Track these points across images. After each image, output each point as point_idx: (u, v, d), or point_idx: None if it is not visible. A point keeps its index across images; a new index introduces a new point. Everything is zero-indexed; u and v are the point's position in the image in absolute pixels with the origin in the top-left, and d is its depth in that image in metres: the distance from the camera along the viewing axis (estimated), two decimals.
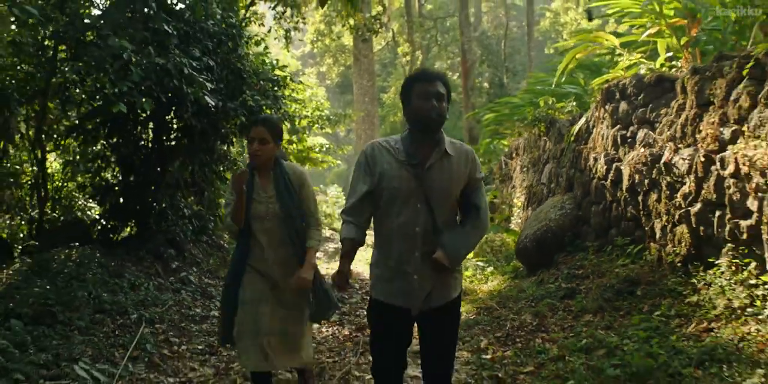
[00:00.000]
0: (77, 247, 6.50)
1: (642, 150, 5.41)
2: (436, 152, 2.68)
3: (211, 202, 8.17)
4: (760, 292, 3.94)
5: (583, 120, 6.89)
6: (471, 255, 7.81)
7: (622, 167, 5.75)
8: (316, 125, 17.10)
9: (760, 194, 3.95)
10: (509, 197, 10.12)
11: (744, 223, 4.12)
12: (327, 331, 5.82)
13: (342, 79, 38.93)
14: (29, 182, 7.67)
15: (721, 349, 3.66)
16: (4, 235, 7.48)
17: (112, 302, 5.33)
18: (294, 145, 15.25)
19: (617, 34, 7.85)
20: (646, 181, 5.30)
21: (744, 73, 4.28)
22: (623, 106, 5.94)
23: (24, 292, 4.90)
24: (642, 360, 3.72)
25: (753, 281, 4.01)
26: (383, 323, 2.81)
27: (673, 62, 6.27)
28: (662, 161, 5.05)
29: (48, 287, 5.09)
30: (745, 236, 4.12)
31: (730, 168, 4.23)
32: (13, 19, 6.44)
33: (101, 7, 6.60)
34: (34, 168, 7.43)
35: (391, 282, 2.74)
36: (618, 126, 6.00)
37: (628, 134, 5.79)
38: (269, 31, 14.95)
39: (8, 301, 4.72)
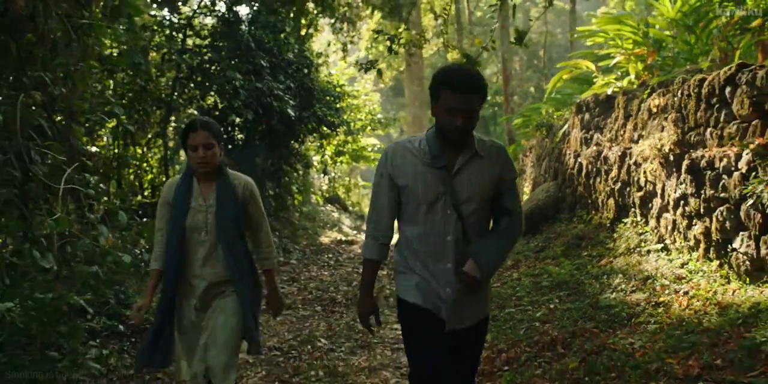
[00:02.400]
0: None
1: (594, 148, 7.66)
2: (464, 154, 2.45)
3: (286, 186, 10.75)
4: (644, 237, 6.18)
5: (566, 126, 9.13)
6: None
7: (581, 160, 8.01)
8: (369, 128, 19.63)
9: (645, 175, 6.20)
10: (521, 186, 12.39)
11: (638, 194, 6.37)
12: None
13: (395, 82, 41.38)
14: (155, 170, 10.34)
15: (612, 270, 5.93)
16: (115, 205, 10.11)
17: None
18: (349, 145, 17.87)
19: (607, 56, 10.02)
20: (594, 169, 7.56)
21: (645, 96, 6.52)
22: (587, 116, 8.19)
23: None
24: (563, 277, 6.05)
25: (641, 230, 6.26)
26: (414, 325, 2.56)
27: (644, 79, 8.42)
28: (602, 155, 7.31)
29: None
30: (639, 203, 6.37)
31: (633, 159, 6.48)
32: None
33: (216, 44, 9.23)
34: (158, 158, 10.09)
35: (415, 280, 2.52)
36: (583, 130, 8.25)
37: (588, 137, 8.04)
38: (329, 44, 17.47)
39: None
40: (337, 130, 11.15)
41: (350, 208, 19.25)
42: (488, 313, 2.68)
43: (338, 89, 10.73)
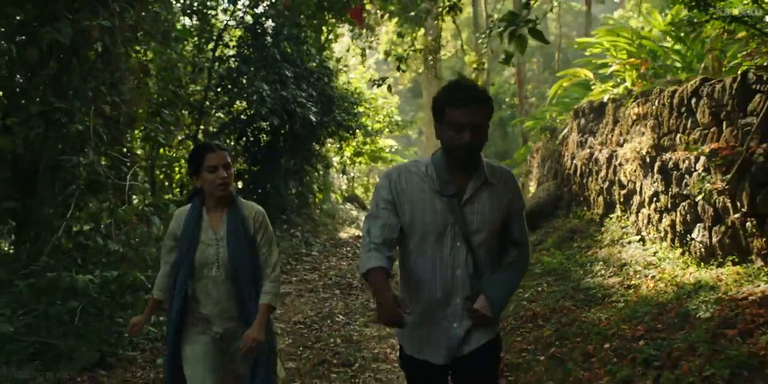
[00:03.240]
0: None
1: (587, 150, 8.42)
2: (474, 180, 2.30)
3: (308, 185, 11.63)
4: (625, 230, 6.94)
5: (566, 130, 9.88)
6: None
7: (576, 162, 8.77)
8: (387, 129, 20.47)
9: (627, 175, 6.95)
10: (527, 185, 13.14)
11: (621, 192, 7.12)
12: None
13: (414, 84, 42.16)
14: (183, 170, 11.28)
15: (596, 259, 6.70)
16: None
17: None
18: (368, 146, 18.75)
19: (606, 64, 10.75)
20: (587, 170, 8.31)
21: (629, 104, 7.27)
22: (583, 121, 8.94)
23: None
24: (554, 265, 6.83)
25: (623, 224, 7.02)
26: (415, 377, 2.49)
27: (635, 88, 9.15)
28: (594, 157, 8.07)
29: None
30: (622, 200, 7.13)
31: (618, 160, 7.24)
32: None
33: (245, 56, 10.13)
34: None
35: (420, 330, 2.36)
36: (579, 134, 9.00)
37: (583, 140, 8.80)
38: (348, 50, 18.33)
39: None
40: (355, 133, 12.08)
41: (368, 207, 20.11)
42: (498, 332, 2.44)
43: (355, 96, 11.62)
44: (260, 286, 2.85)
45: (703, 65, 7.99)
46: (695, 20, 5.64)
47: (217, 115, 10.74)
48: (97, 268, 4.85)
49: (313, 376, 4.41)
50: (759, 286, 4.02)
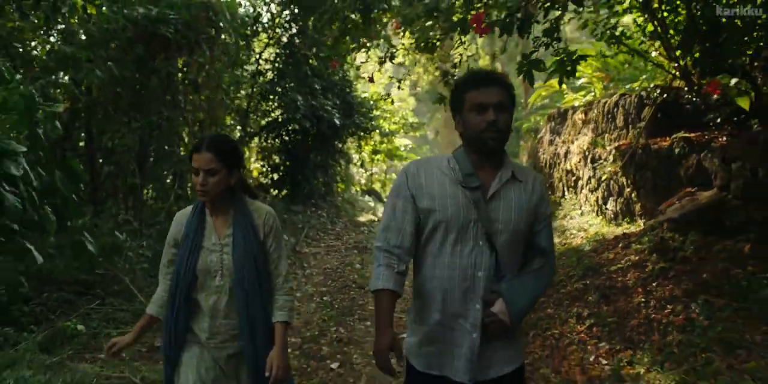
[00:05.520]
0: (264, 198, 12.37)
1: (554, 147, 10.65)
2: (501, 174, 2.10)
3: (332, 177, 13.99)
4: (574, 207, 9.15)
5: (542, 131, 12.10)
6: None
7: (545, 156, 10.99)
8: (402, 130, 22.79)
9: (574, 165, 9.18)
10: None
11: (572, 179, 9.35)
12: None
13: (431, 86, 44.24)
14: None
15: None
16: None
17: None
18: (384, 145, 21.10)
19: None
20: (553, 162, 10.54)
21: (579, 111, 9.48)
22: (552, 124, 11.17)
23: None
24: None
25: (573, 203, 9.24)
26: None
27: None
28: (557, 152, 10.29)
29: None
30: (572, 185, 9.35)
31: (569, 154, 9.46)
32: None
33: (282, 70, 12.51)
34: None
35: (435, 343, 2.12)
36: (550, 134, 11.22)
37: (552, 139, 11.01)
38: (366, 59, 20.56)
39: None
40: (370, 133, 14.41)
41: (384, 200, 22.51)
42: (523, 362, 2.24)
43: (371, 101, 14.03)
44: (268, 299, 2.51)
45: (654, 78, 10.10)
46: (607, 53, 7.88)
47: (256, 118, 13.12)
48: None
49: (341, 292, 6.73)
50: (618, 228, 6.30)
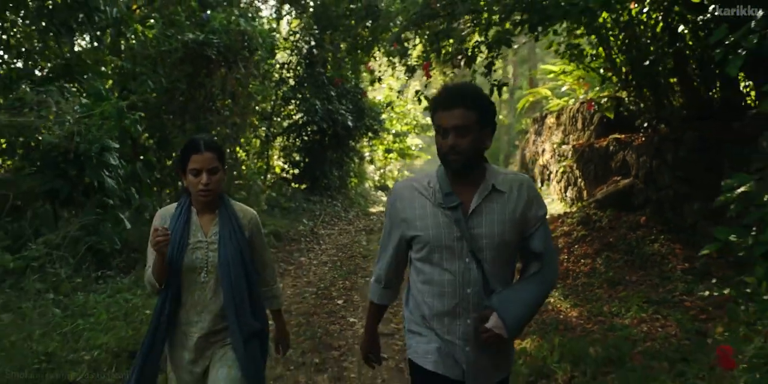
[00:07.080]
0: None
1: (535, 146, 12.35)
2: (481, 190, 2.09)
3: (346, 172, 15.80)
4: (546, 195, 10.85)
5: (529, 132, 13.77)
6: None
7: (528, 153, 12.69)
8: (413, 131, 24.52)
9: (546, 160, 10.87)
10: None
11: (546, 172, 11.04)
12: None
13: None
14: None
15: None
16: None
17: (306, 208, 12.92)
18: (396, 145, 22.87)
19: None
20: (534, 159, 12.24)
21: (552, 116, 11.17)
22: (536, 126, 12.86)
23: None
24: None
25: (547, 192, 10.93)
26: None
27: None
28: (537, 150, 11.99)
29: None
30: (546, 177, 11.05)
31: (544, 152, 11.15)
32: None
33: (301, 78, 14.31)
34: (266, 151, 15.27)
35: (433, 343, 2.17)
36: (534, 135, 12.91)
37: (535, 139, 12.70)
38: (379, 66, 22.31)
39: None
40: (380, 134, 16.19)
41: None
42: (509, 372, 2.28)
43: (381, 106, 15.89)
44: (254, 292, 2.59)
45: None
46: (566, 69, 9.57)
47: (279, 120, 14.95)
48: None
49: (349, 260, 8.51)
50: (568, 207, 8.01)
